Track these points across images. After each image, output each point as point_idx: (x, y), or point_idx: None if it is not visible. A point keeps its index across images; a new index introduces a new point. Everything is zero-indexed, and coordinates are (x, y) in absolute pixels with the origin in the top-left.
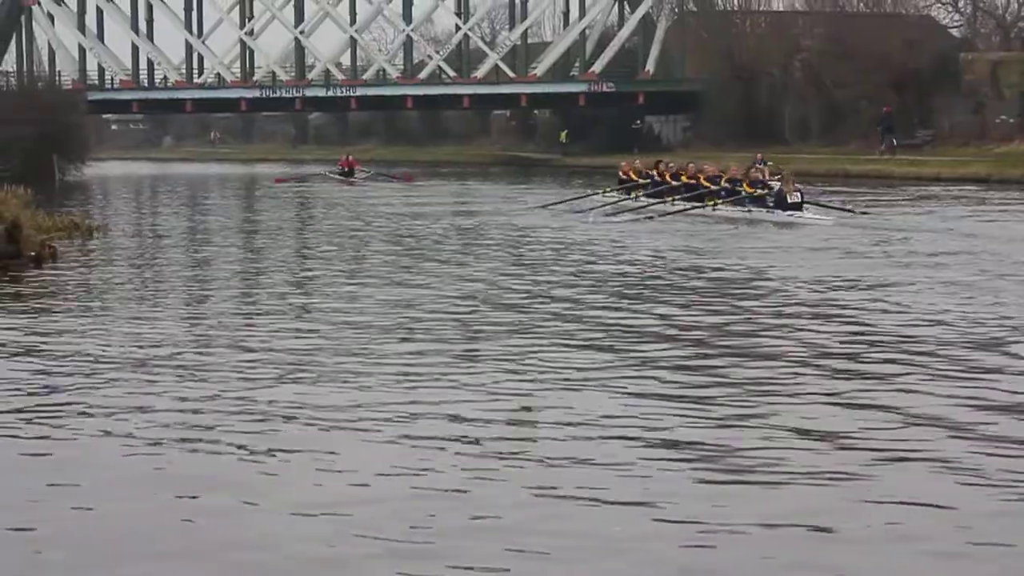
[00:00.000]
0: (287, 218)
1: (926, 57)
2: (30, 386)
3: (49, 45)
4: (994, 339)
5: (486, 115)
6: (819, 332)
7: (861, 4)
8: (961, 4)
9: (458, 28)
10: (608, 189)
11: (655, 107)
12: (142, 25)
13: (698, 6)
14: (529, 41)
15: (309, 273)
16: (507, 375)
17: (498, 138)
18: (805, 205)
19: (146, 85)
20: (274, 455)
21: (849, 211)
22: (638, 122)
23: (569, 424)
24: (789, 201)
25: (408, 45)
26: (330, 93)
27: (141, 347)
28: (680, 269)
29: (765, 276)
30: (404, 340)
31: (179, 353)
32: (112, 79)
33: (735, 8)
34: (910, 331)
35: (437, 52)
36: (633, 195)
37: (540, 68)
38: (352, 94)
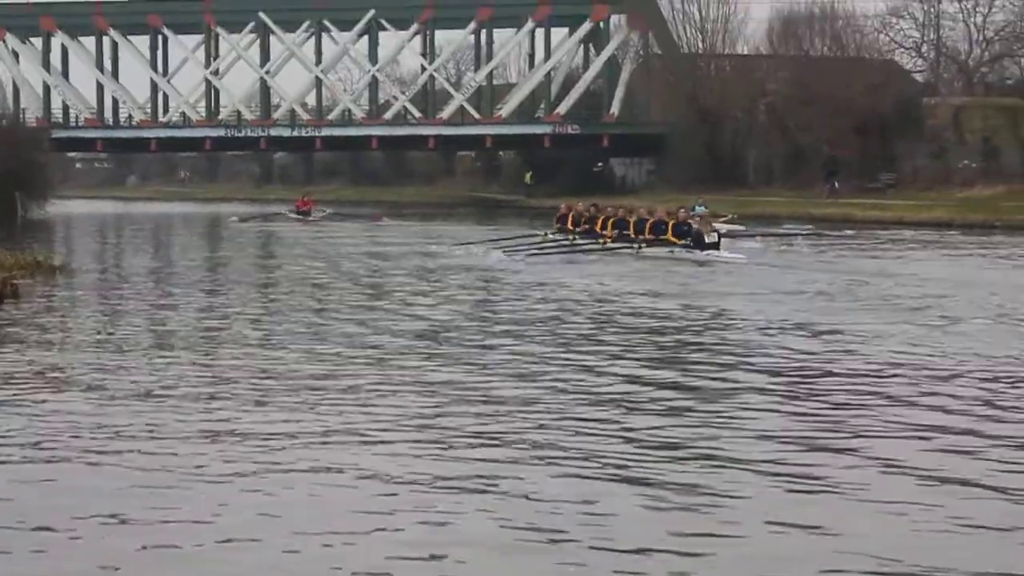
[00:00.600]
0: (246, 256)
1: (889, 102)
2: None
3: (13, 82)
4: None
5: (451, 156)
6: (715, 361)
7: (825, 48)
8: (924, 49)
9: (424, 69)
10: (548, 233)
11: (620, 149)
12: (107, 63)
13: (663, 49)
14: (495, 83)
15: (267, 307)
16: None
17: (463, 179)
18: (721, 243)
19: (111, 124)
20: (239, 496)
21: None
22: (599, 165)
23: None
24: (707, 241)
25: (373, 85)
26: (295, 133)
27: (102, 385)
28: (603, 303)
29: (680, 309)
30: (366, 370)
31: (141, 391)
32: (77, 117)
33: (700, 51)
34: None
35: (403, 92)
36: (570, 236)
37: (505, 109)
38: (317, 134)
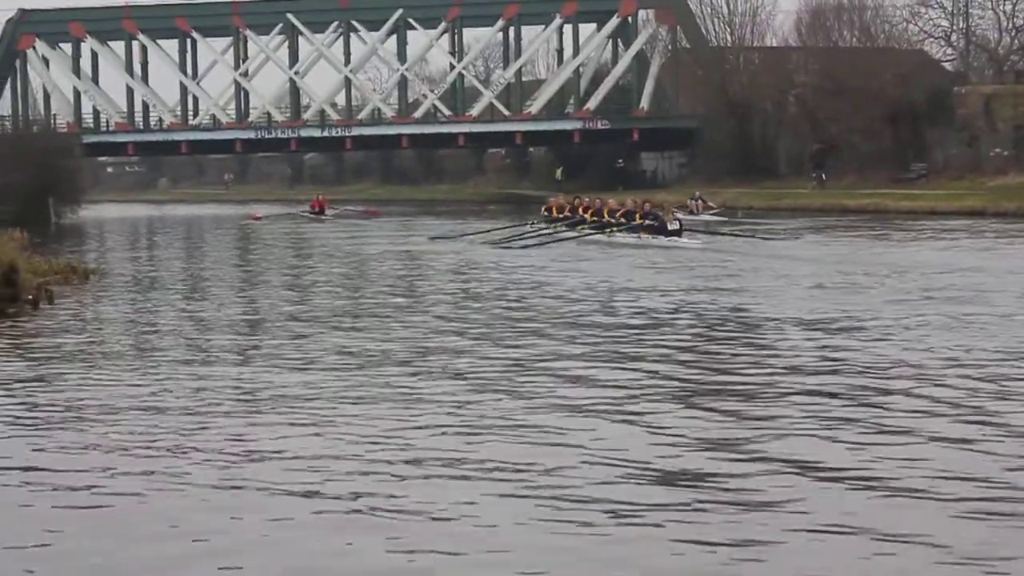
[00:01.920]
0: (273, 256)
1: (920, 91)
2: (25, 429)
3: (44, 89)
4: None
5: (481, 153)
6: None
7: (854, 39)
8: (954, 38)
9: (452, 67)
10: (535, 221)
11: (649, 144)
12: (137, 68)
13: (691, 43)
14: (524, 79)
15: (296, 310)
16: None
17: (494, 176)
18: (683, 232)
19: (141, 127)
20: (271, 503)
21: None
22: (620, 161)
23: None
24: (669, 228)
25: (403, 84)
26: (325, 133)
27: (136, 389)
28: (572, 288)
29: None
30: (415, 387)
31: (174, 395)
32: (107, 122)
33: (728, 44)
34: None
35: (432, 91)
36: (553, 226)
37: (535, 106)
38: (347, 134)
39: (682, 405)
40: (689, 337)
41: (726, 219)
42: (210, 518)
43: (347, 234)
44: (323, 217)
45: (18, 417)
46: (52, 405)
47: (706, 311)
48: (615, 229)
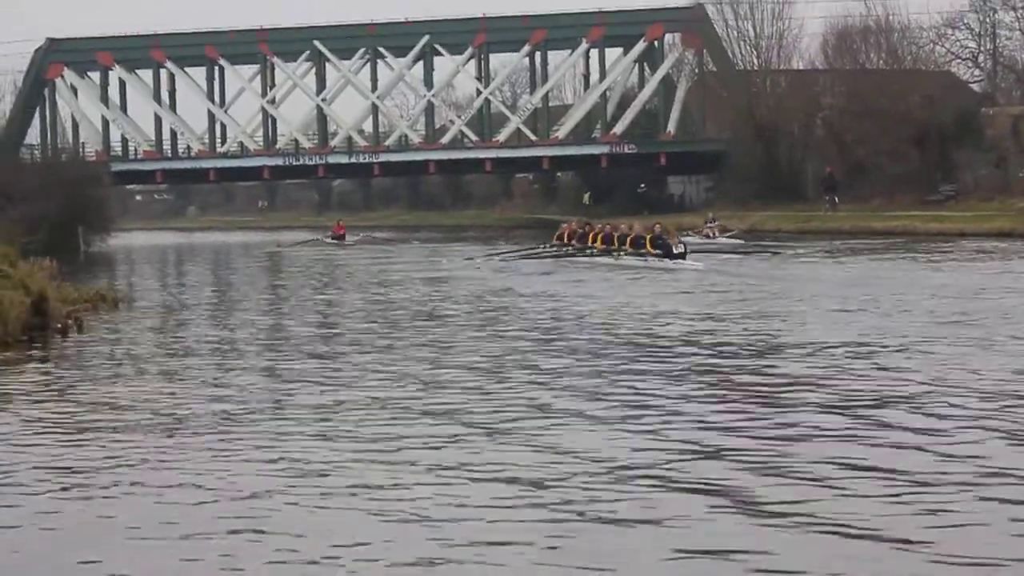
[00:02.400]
0: (297, 282)
1: (947, 112)
2: (55, 457)
3: (72, 117)
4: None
5: (509, 178)
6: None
7: (881, 61)
8: (981, 59)
9: (479, 92)
10: (547, 245)
11: (677, 167)
12: (164, 96)
13: (718, 67)
14: (550, 104)
15: (324, 334)
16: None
17: (521, 201)
18: (688, 255)
19: (169, 155)
20: (299, 534)
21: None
22: (642, 186)
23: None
24: (675, 252)
25: (430, 110)
26: (353, 159)
27: (166, 419)
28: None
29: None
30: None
31: (204, 424)
32: (135, 150)
33: (755, 68)
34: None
35: (459, 117)
36: (564, 248)
37: (562, 131)
38: (375, 160)
39: (665, 411)
40: (686, 353)
41: (743, 242)
42: (232, 544)
43: (368, 259)
44: (344, 243)
45: (48, 445)
46: (81, 433)
47: (713, 331)
48: (622, 252)
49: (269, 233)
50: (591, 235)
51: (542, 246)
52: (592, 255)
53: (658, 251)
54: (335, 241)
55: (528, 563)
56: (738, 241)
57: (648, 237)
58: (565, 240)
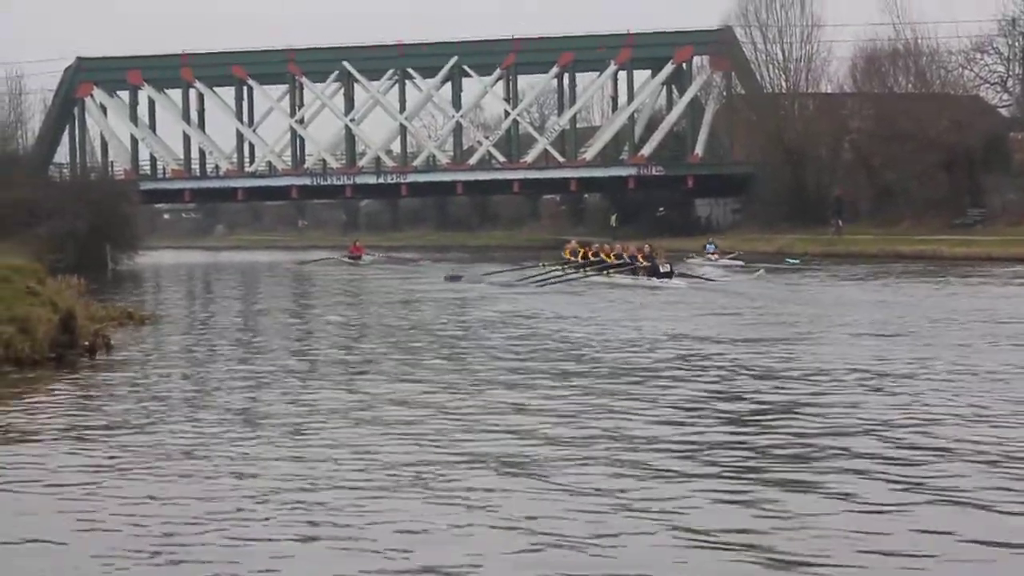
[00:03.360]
0: (320, 301)
1: (975, 137)
2: (83, 474)
3: (102, 136)
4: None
5: (536, 200)
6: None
7: (909, 85)
8: (1010, 84)
9: (507, 114)
10: (546, 264)
11: (704, 190)
12: (194, 115)
13: (746, 89)
14: (578, 126)
15: (355, 357)
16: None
17: (548, 222)
18: (674, 275)
19: (198, 174)
20: (331, 553)
21: (709, 279)
22: (661, 209)
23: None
24: (661, 271)
25: (458, 131)
26: (380, 180)
27: (192, 438)
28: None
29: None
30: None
31: (231, 443)
32: (164, 169)
33: (783, 91)
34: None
35: (487, 137)
36: (563, 268)
37: (589, 152)
38: (402, 180)
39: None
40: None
41: (743, 264)
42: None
43: (384, 278)
44: (360, 262)
45: (75, 464)
46: (108, 450)
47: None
48: (613, 271)
49: (295, 252)
50: (589, 255)
51: (541, 265)
52: (588, 274)
53: (647, 270)
54: (351, 260)
55: None
56: (739, 263)
57: (639, 257)
58: (567, 257)
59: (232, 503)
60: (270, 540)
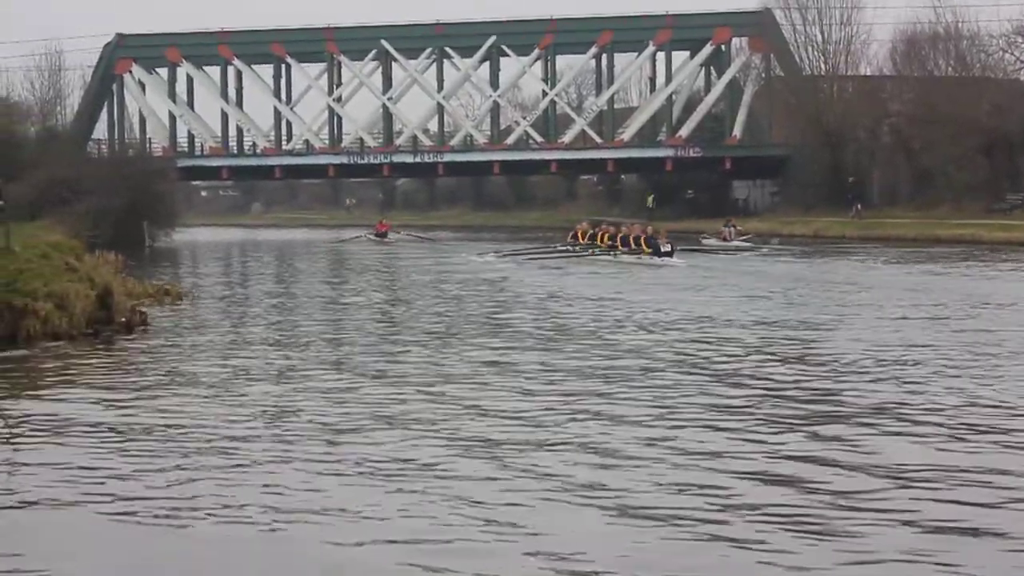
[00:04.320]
0: (358, 276)
1: (1016, 121)
2: (121, 452)
3: (140, 112)
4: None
5: (573, 180)
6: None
7: (949, 68)
8: None
9: (545, 94)
10: (562, 244)
11: (742, 172)
12: (231, 93)
13: (785, 71)
14: (616, 106)
15: (381, 335)
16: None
17: (585, 203)
18: (674, 253)
19: (235, 152)
20: (370, 524)
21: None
22: (690, 192)
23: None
24: (662, 250)
25: (495, 111)
26: (417, 159)
27: (230, 414)
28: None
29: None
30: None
31: (268, 420)
32: (202, 146)
33: (822, 73)
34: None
35: (524, 118)
36: (575, 247)
37: (627, 133)
38: (439, 160)
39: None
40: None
41: (753, 245)
42: (296, 538)
43: (406, 254)
44: (386, 240)
45: (108, 440)
46: (144, 426)
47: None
48: (621, 251)
49: (330, 231)
50: (600, 235)
51: (557, 245)
52: (596, 253)
53: (650, 250)
54: (377, 238)
55: None
56: (750, 244)
57: (642, 238)
58: (579, 238)
59: (259, 475)
60: (305, 520)
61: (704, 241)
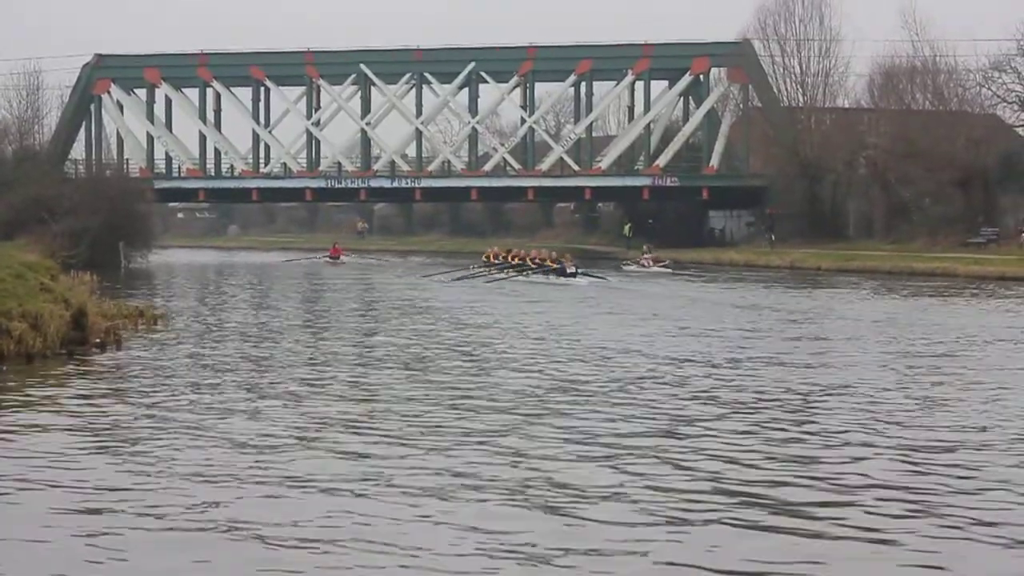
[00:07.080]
0: (330, 298)
1: (992, 156)
2: (92, 471)
3: (118, 133)
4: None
5: (550, 208)
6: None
7: (927, 102)
8: None
9: (523, 121)
10: (475, 266)
11: (719, 202)
12: (210, 115)
13: (763, 102)
14: (594, 134)
15: (358, 356)
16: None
17: (562, 230)
18: (578, 275)
19: (212, 174)
20: (342, 549)
21: (604, 278)
22: (650, 221)
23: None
24: (567, 272)
25: (473, 137)
26: (395, 184)
27: (200, 436)
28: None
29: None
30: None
31: (237, 437)
32: (179, 168)
33: (800, 104)
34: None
35: (502, 144)
36: (487, 269)
37: (605, 161)
38: (417, 185)
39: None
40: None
41: (671, 270)
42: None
43: (355, 277)
44: (338, 263)
45: (81, 460)
46: (117, 445)
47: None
48: (530, 271)
49: (308, 254)
50: (510, 257)
51: (472, 267)
52: (510, 275)
53: (556, 271)
54: (331, 260)
55: None
56: (668, 270)
57: (549, 260)
58: (490, 260)
59: (236, 498)
60: (265, 524)
61: (624, 267)
